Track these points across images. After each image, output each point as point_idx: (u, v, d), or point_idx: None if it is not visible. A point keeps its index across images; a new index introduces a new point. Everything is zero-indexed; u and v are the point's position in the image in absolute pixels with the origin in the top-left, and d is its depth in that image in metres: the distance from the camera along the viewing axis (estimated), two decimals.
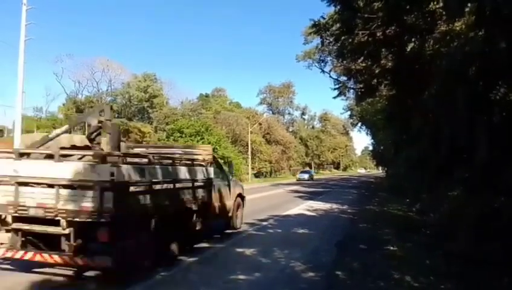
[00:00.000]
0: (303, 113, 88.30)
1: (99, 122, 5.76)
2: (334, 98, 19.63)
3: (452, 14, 7.41)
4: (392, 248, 7.42)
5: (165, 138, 41.91)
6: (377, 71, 12.54)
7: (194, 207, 6.34)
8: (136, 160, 5.16)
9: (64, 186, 4.48)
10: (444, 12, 8.10)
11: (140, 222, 4.92)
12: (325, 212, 14.27)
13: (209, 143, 39.68)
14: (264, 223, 10.82)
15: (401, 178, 20.46)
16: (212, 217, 7.27)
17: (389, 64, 11.86)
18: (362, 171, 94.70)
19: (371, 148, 59.83)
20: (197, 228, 6.59)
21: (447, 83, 7.26)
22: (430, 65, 9.94)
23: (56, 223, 4.50)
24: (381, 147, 37.16)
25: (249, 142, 48.16)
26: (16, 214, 4.66)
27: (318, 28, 11.38)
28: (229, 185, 8.52)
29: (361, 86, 15.83)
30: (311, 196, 21.49)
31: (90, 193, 4.37)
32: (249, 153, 47.88)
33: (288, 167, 63.29)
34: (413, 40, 9.84)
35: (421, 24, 8.86)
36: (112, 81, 63.96)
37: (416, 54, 10.02)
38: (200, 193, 6.59)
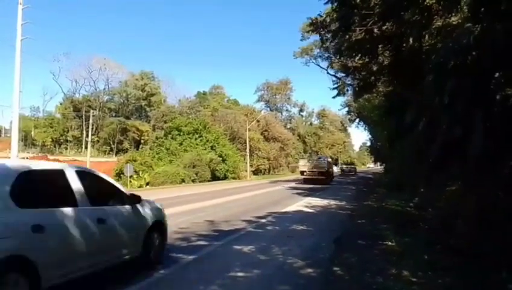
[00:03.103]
0: (301, 110, 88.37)
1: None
2: (334, 97, 19.60)
3: (448, 9, 7.40)
4: (390, 243, 7.44)
5: (163, 136, 41.74)
6: (374, 68, 12.55)
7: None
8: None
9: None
10: (440, 7, 8.09)
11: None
12: (323, 209, 14.31)
13: (207, 141, 39.65)
14: (263, 220, 10.83)
15: (398, 173, 20.48)
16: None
17: (386, 61, 11.85)
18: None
19: (368, 144, 59.97)
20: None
21: (442, 75, 7.25)
22: (427, 60, 9.92)
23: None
24: (379, 143, 37.22)
25: (247, 140, 48.13)
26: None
27: (315, 26, 11.37)
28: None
29: (358, 82, 15.84)
30: (310, 193, 21.56)
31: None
32: (247, 150, 47.87)
33: (286, 164, 63.39)
34: (410, 35, 9.82)
35: (418, 19, 8.84)
36: (109, 79, 63.91)
37: (413, 49, 10.01)
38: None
